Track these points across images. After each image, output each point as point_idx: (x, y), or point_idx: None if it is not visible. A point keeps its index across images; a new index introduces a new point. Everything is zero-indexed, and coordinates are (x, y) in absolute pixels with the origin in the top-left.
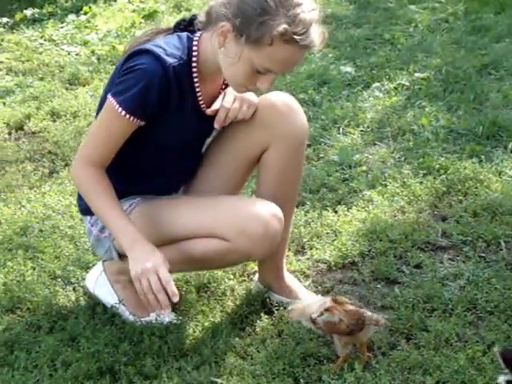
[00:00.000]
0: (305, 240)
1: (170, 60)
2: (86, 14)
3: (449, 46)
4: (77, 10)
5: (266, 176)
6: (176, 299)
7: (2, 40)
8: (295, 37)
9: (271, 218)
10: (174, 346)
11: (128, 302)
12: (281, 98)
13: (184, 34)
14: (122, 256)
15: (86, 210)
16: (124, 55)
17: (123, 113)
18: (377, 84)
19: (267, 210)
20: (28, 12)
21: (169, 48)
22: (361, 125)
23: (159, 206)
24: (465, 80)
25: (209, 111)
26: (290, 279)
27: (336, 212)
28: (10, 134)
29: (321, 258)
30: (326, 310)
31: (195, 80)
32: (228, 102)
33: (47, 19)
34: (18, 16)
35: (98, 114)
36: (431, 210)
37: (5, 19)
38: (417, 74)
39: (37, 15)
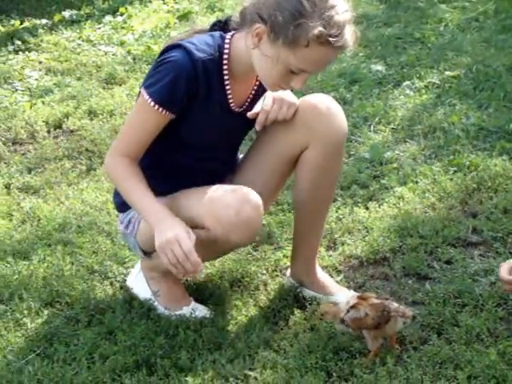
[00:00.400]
0: (336, 236)
1: (199, 54)
2: (122, 15)
3: (479, 44)
4: (113, 11)
5: (304, 175)
6: (200, 268)
7: (41, 41)
8: (330, 39)
9: (242, 204)
10: (209, 340)
11: (161, 297)
12: (322, 100)
13: (217, 33)
14: (148, 253)
15: (120, 206)
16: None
17: (152, 103)
18: (407, 82)
19: (240, 197)
20: (66, 13)
21: (200, 44)
22: (391, 122)
23: None
24: (495, 78)
25: (249, 114)
26: (321, 275)
27: (367, 208)
28: (48, 132)
29: (352, 253)
30: (352, 307)
31: (225, 77)
32: (268, 105)
33: (85, 20)
34: (57, 17)
35: None
36: (461, 207)
37: (44, 21)
38: (447, 73)
39: (75, 16)
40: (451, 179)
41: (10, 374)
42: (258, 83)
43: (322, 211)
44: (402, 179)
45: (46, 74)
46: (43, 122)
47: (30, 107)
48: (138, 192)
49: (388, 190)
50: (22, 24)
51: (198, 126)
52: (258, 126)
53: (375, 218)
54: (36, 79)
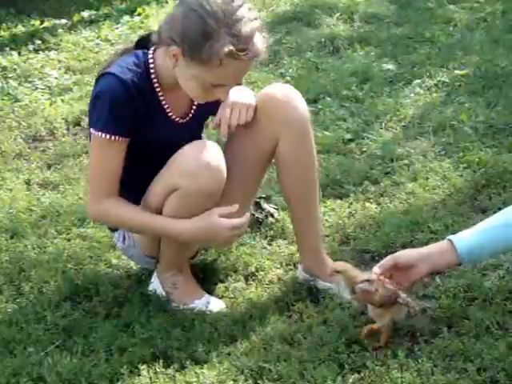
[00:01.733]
0: (349, 231)
1: (127, 76)
2: (139, 15)
3: (487, 44)
4: (131, 12)
5: (281, 171)
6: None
7: (61, 40)
8: (241, 53)
9: (199, 151)
10: (224, 333)
11: (174, 294)
12: (279, 89)
13: (140, 52)
14: (155, 256)
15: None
16: None
17: (108, 136)
18: (418, 81)
19: (194, 147)
20: (85, 14)
21: (126, 65)
22: (402, 120)
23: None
24: (503, 77)
25: (211, 126)
26: (331, 264)
27: (379, 204)
28: (68, 129)
29: (364, 248)
30: (367, 280)
31: (158, 90)
32: (226, 114)
33: (103, 20)
34: (76, 17)
35: None
36: (471, 203)
37: (63, 21)
38: (456, 72)
39: (93, 17)
40: (461, 175)
41: (30, 366)
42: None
43: (309, 203)
44: (412, 175)
45: (66, 73)
46: (62, 119)
47: (50, 105)
48: (151, 220)
49: (399, 186)
50: (42, 24)
51: (147, 143)
52: (223, 137)
53: (387, 213)
54: (55, 78)
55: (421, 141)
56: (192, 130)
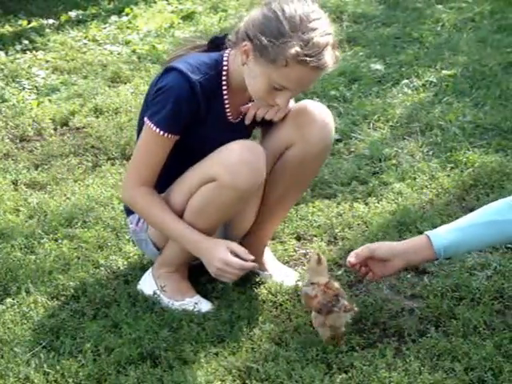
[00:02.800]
0: (337, 231)
1: (195, 76)
2: (127, 15)
3: (475, 44)
4: (119, 12)
5: (280, 168)
6: (255, 264)
7: (48, 40)
8: (307, 58)
9: (244, 149)
10: (212, 333)
11: (167, 291)
12: (318, 108)
13: (214, 54)
14: (160, 249)
15: (129, 210)
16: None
17: (161, 133)
18: (405, 81)
19: (242, 144)
20: (73, 14)
21: (196, 64)
22: (390, 120)
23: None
24: (491, 77)
25: (242, 108)
26: (268, 255)
27: (367, 204)
28: (55, 129)
29: (352, 248)
30: (312, 283)
31: (224, 92)
32: (259, 104)
33: (91, 20)
34: (63, 17)
35: (138, 135)
36: (459, 203)
37: (51, 21)
38: (444, 72)
39: (81, 17)
40: (448, 175)
41: (17, 367)
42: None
43: (286, 205)
44: (400, 175)
45: (53, 73)
46: (50, 119)
47: (37, 105)
48: (170, 221)
49: (387, 185)
50: (29, 24)
51: (198, 139)
52: (246, 120)
53: (374, 213)
54: (43, 78)
55: (409, 141)
56: (241, 131)
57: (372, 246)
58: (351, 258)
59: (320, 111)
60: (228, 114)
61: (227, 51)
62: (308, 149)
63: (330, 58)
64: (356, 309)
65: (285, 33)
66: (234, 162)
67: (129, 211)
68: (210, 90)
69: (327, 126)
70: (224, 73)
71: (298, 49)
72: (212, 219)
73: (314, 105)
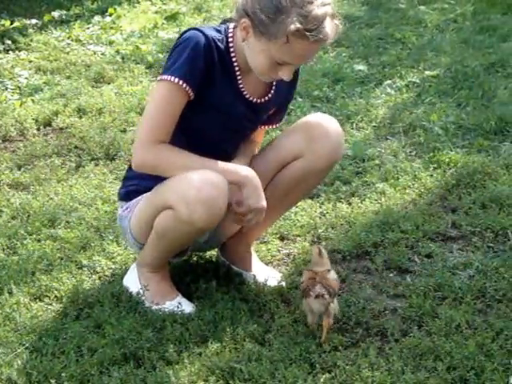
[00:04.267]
0: (320, 231)
1: (211, 33)
2: (111, 15)
3: (458, 45)
4: (102, 12)
5: (283, 175)
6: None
7: (31, 40)
8: (308, 33)
9: (204, 183)
10: (195, 333)
11: (149, 292)
12: (333, 125)
13: (220, 26)
14: (140, 243)
15: (124, 196)
16: None
17: (176, 80)
18: (388, 81)
19: (203, 177)
20: (56, 14)
21: (209, 27)
22: (373, 120)
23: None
24: (473, 77)
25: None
26: (252, 255)
27: (350, 204)
28: (38, 129)
29: (335, 248)
30: (310, 270)
31: (235, 64)
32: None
33: (74, 20)
34: (47, 17)
35: None
36: (441, 202)
37: (34, 21)
38: (427, 72)
39: (64, 17)
40: (431, 175)
41: (0, 368)
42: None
43: (280, 211)
44: (383, 175)
45: (36, 73)
46: (33, 119)
47: (20, 105)
48: (199, 160)
49: (370, 186)
50: (12, 24)
51: (209, 114)
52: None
53: (357, 213)
54: (26, 78)
55: (391, 141)
56: (266, 111)
57: None
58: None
59: (334, 128)
60: (243, 89)
61: (231, 25)
62: (316, 163)
63: (330, 28)
64: (327, 298)
65: (283, 8)
66: (192, 197)
67: (122, 195)
68: (223, 52)
69: (339, 143)
70: (231, 44)
71: (297, 24)
72: (173, 243)
73: (328, 120)
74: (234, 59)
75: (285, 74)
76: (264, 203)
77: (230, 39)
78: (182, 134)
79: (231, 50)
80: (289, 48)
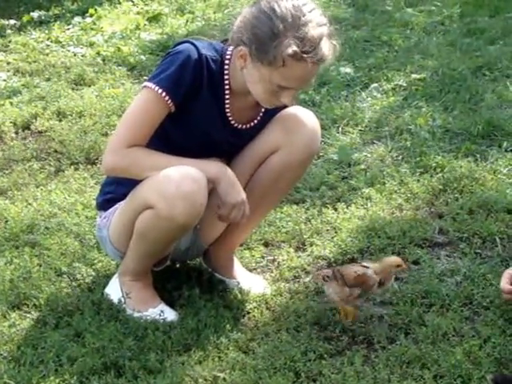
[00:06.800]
0: (305, 237)
1: (205, 51)
2: (91, 16)
3: (445, 47)
4: (82, 13)
5: (262, 172)
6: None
7: (10, 42)
8: (305, 55)
9: (183, 178)
10: (178, 341)
11: (131, 299)
12: (309, 116)
13: (218, 44)
14: (120, 251)
15: (102, 205)
16: None
17: (160, 91)
18: (375, 85)
19: (181, 173)
20: (35, 14)
21: (206, 44)
22: (359, 124)
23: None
24: (460, 81)
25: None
26: (235, 262)
27: (336, 209)
28: (16, 133)
29: (321, 254)
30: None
31: (226, 87)
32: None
33: (54, 21)
34: (25, 18)
35: None
36: (428, 208)
37: (12, 21)
38: (414, 75)
39: (43, 17)
40: (418, 180)
41: None
42: (263, 107)
43: (261, 211)
44: (369, 180)
45: (15, 75)
46: (11, 122)
47: None
48: (169, 159)
49: (356, 191)
50: None
51: (189, 129)
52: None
53: (343, 218)
54: (4, 80)
55: (378, 145)
56: (250, 137)
57: None
58: (506, 284)
59: (310, 118)
60: (228, 113)
61: (231, 48)
62: (293, 155)
63: (327, 49)
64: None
65: (278, 33)
66: (171, 193)
67: (100, 204)
68: (214, 72)
69: (315, 133)
70: (226, 67)
71: (294, 47)
72: (155, 245)
73: (304, 112)
74: (226, 81)
75: (286, 99)
76: (243, 195)
77: (226, 61)
78: (162, 145)
79: (225, 72)
80: (287, 72)
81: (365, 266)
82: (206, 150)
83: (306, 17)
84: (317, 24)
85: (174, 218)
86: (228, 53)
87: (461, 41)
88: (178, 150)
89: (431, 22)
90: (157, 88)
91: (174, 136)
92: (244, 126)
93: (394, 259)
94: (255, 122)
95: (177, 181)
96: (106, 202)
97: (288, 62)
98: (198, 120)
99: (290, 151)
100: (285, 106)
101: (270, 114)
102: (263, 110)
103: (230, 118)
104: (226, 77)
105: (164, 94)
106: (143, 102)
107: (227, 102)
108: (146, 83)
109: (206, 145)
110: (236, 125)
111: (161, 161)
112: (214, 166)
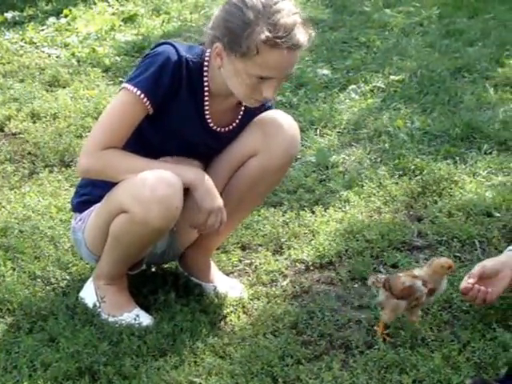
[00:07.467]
0: (283, 240)
1: (185, 53)
2: (66, 16)
3: (423, 49)
4: (57, 13)
5: (240, 176)
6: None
7: None
8: (278, 40)
9: (158, 182)
10: (153, 346)
11: (106, 303)
12: (288, 120)
13: (196, 46)
14: (95, 254)
15: (78, 207)
16: None
17: (138, 92)
18: (353, 86)
19: (156, 176)
20: (8, 15)
21: (187, 46)
22: (337, 126)
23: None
24: (439, 83)
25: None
26: (212, 266)
27: (313, 212)
28: None
29: (298, 257)
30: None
31: (205, 89)
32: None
33: (28, 22)
34: None
35: None
36: (407, 211)
37: None
38: (392, 77)
39: (17, 18)
40: (396, 183)
41: None
42: (242, 111)
43: (238, 215)
44: (347, 183)
45: None
46: None
47: None
48: (145, 162)
49: (334, 193)
50: None
51: (167, 132)
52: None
53: (321, 222)
54: None
55: (356, 148)
56: (228, 140)
57: (479, 264)
58: (467, 283)
59: (289, 123)
60: (207, 116)
61: (209, 50)
62: (272, 160)
63: (302, 35)
64: (376, 283)
65: (250, 22)
66: (146, 197)
67: (75, 206)
68: (194, 73)
69: (295, 138)
70: (205, 69)
71: (266, 33)
72: (130, 249)
73: (283, 116)
74: (205, 84)
75: (268, 92)
76: (220, 202)
77: (205, 63)
78: (139, 147)
79: (205, 74)
80: (263, 60)
81: (415, 276)
82: (183, 153)
83: (278, 5)
84: (289, 11)
85: (149, 223)
86: (207, 55)
87: (439, 42)
88: (156, 153)
89: (410, 23)
90: (135, 90)
91: (151, 138)
92: (223, 129)
93: (443, 261)
94: (234, 125)
95: (152, 185)
96: (82, 204)
97: (262, 49)
98: (176, 122)
99: (269, 156)
100: (264, 110)
101: (249, 117)
102: (242, 113)
103: (209, 121)
104: (205, 79)
105: (142, 95)
106: (121, 103)
107: (206, 104)
108: (124, 84)
109: (184, 147)
110: (215, 127)
111: (137, 164)
112: (192, 171)
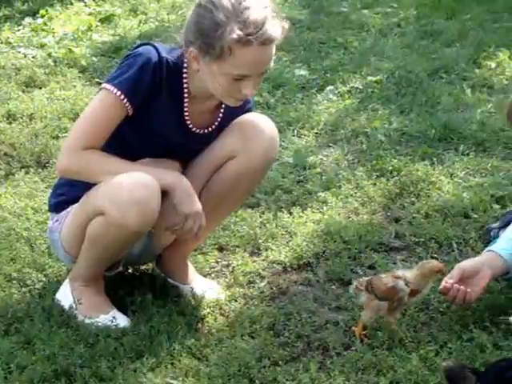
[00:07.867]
0: (260, 241)
1: (166, 54)
2: (42, 17)
3: (401, 49)
4: (33, 13)
5: (218, 179)
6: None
7: None
8: (250, 37)
9: (135, 184)
10: (130, 348)
11: (82, 305)
12: (267, 123)
13: (180, 50)
14: (72, 255)
15: (55, 207)
16: None
17: (118, 93)
18: (330, 87)
19: (133, 178)
20: None
21: (167, 48)
22: (315, 127)
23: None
24: (417, 83)
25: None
26: (189, 267)
27: (291, 213)
28: None
29: (276, 259)
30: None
31: (185, 90)
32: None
33: (3, 22)
34: None
35: None
36: (384, 212)
37: None
38: (370, 78)
39: None
40: (374, 184)
41: None
42: (221, 112)
43: (217, 217)
44: (325, 184)
45: None
46: None
47: None
48: (124, 164)
49: (311, 194)
50: None
51: (146, 133)
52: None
53: (299, 223)
54: None
55: (334, 148)
56: (207, 142)
57: (459, 264)
58: (446, 283)
59: (268, 125)
60: (186, 117)
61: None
62: (251, 162)
63: (274, 29)
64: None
65: (221, 22)
66: (124, 200)
67: (52, 206)
68: (174, 75)
69: (273, 141)
70: (185, 70)
71: (238, 32)
72: (107, 251)
73: (262, 118)
74: (185, 85)
75: (248, 90)
76: (199, 206)
77: (185, 65)
78: (118, 147)
79: (184, 75)
80: (237, 59)
81: (397, 277)
82: (162, 154)
83: (247, 2)
84: (258, 7)
85: (126, 225)
86: (186, 56)
87: (417, 43)
88: (135, 153)
89: (387, 23)
90: (115, 90)
91: (130, 139)
92: (202, 131)
93: (434, 264)
94: (213, 126)
95: (129, 187)
96: (59, 204)
97: (235, 49)
98: (155, 123)
99: (248, 159)
100: (244, 112)
101: (228, 119)
102: (221, 115)
103: (188, 122)
104: (184, 81)
105: (122, 96)
106: (101, 103)
107: (186, 105)
108: (104, 84)
109: (163, 148)
110: (194, 129)
111: (115, 165)
112: (170, 175)
